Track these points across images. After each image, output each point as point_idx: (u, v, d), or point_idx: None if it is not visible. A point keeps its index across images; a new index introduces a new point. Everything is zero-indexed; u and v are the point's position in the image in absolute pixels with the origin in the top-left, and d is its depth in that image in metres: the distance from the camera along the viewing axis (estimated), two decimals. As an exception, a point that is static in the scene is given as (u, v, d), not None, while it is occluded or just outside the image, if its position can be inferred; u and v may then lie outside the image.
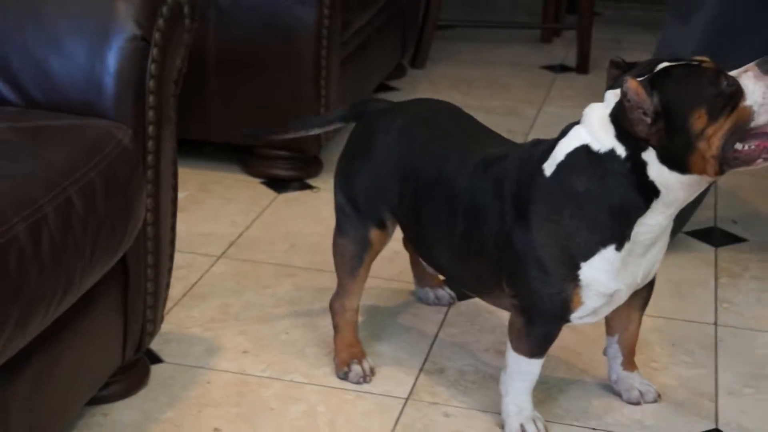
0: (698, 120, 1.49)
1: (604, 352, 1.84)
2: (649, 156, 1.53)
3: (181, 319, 2.01)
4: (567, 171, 1.57)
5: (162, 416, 1.73)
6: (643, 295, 1.75)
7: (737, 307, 2.15)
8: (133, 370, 1.77)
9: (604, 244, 1.56)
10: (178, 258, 2.13)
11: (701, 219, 2.53)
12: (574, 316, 1.63)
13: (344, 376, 1.84)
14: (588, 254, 1.57)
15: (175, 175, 1.73)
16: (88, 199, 1.42)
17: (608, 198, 1.55)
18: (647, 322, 2.05)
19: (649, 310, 2.07)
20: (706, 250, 2.39)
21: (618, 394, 1.83)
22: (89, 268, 1.44)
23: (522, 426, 1.70)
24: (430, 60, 3.69)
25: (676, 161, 1.52)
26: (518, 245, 1.60)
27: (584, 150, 1.56)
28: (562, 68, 3.67)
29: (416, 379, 1.87)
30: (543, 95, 3.39)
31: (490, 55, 3.81)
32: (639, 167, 1.53)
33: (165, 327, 1.92)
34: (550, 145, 1.61)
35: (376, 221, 1.81)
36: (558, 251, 1.57)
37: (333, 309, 1.89)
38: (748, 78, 1.50)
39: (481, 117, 1.87)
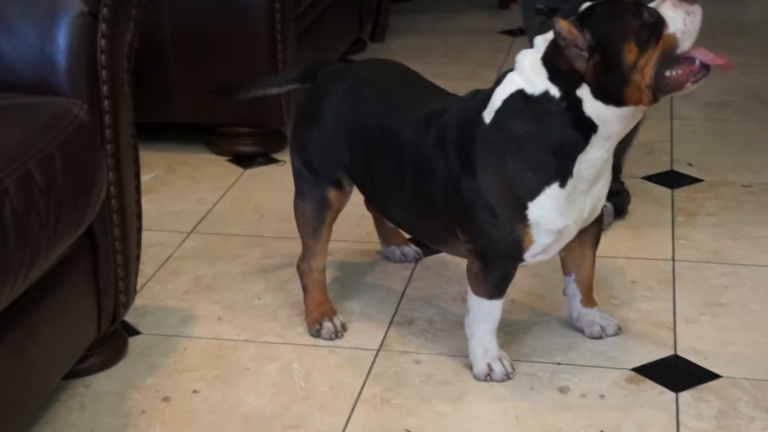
0: (630, 53, 1.55)
1: (564, 292, 1.91)
2: (584, 93, 1.59)
3: (156, 293, 2.06)
4: (505, 116, 1.63)
5: (142, 383, 1.78)
6: (592, 232, 1.81)
7: (693, 242, 2.21)
8: (110, 342, 1.82)
9: (548, 182, 1.62)
10: (150, 236, 2.19)
11: (658, 163, 2.60)
12: (527, 255, 1.69)
13: (317, 334, 1.90)
14: (534, 193, 1.63)
15: (135, 148, 1.78)
16: (48, 172, 1.46)
17: (547, 138, 1.61)
18: (607, 263, 2.12)
19: (608, 251, 2.15)
20: (663, 193, 2.45)
21: (580, 331, 1.89)
22: (54, 240, 1.49)
23: (489, 365, 1.76)
24: (389, 33, 3.74)
25: (612, 95, 1.58)
26: (466, 192, 1.66)
27: (519, 94, 1.62)
28: (521, 32, 3.72)
29: (386, 331, 1.92)
30: (502, 58, 3.44)
31: (449, 23, 3.87)
32: (574, 105, 1.59)
33: (140, 301, 1.97)
34: (488, 94, 1.67)
35: (332, 182, 1.86)
36: (505, 194, 1.63)
37: (300, 271, 1.94)
38: (666, 7, 1.56)
39: (441, 83, 1.92)
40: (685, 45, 1.57)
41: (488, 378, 1.76)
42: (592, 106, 1.59)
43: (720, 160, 2.61)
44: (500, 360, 1.77)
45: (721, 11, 3.81)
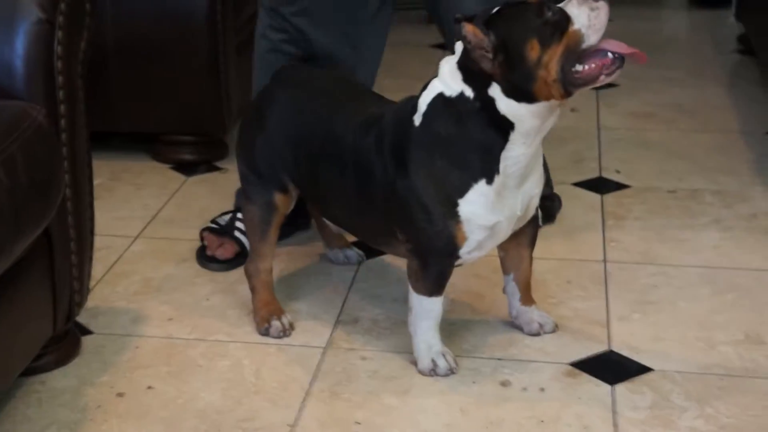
0: (532, 50, 1.64)
1: (504, 290, 1.99)
2: (495, 92, 1.67)
3: (106, 295, 2.10)
4: (430, 119, 1.72)
5: (97, 380, 1.82)
6: (528, 233, 1.90)
7: (623, 244, 2.32)
8: (64, 340, 1.86)
9: (475, 180, 1.70)
10: (97, 240, 2.20)
11: (587, 170, 2.72)
12: (462, 252, 1.77)
13: (265, 332, 1.96)
14: (462, 191, 1.71)
15: (89, 152, 1.82)
16: (11, 171, 1.51)
17: (469, 137, 1.69)
18: (543, 264, 2.22)
19: (543, 252, 2.24)
20: (593, 198, 2.56)
21: (519, 328, 1.98)
22: (17, 238, 1.53)
23: (433, 360, 1.84)
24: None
25: (522, 92, 1.66)
26: (401, 192, 1.74)
27: (440, 98, 1.71)
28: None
29: (333, 330, 1.99)
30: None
31: (407, 36, 3.93)
32: (488, 104, 1.68)
33: (91, 303, 2.01)
34: (417, 99, 1.76)
35: (278, 186, 1.93)
36: (436, 192, 1.72)
37: (248, 272, 2.00)
38: (572, 5, 1.65)
39: (375, 96, 2.00)
40: (591, 40, 1.64)
41: (432, 373, 1.83)
42: (505, 105, 1.67)
43: (646, 167, 2.73)
44: (443, 356, 1.84)
45: (640, 26, 3.96)
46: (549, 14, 1.64)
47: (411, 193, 1.73)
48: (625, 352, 1.91)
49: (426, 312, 1.83)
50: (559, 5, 1.66)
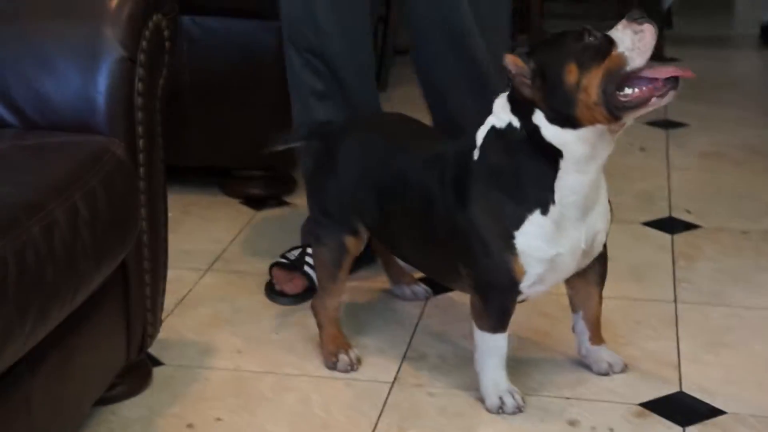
0: (570, 74, 1.64)
1: (573, 329, 1.98)
2: (539, 119, 1.68)
3: (176, 327, 2.13)
4: (485, 152, 1.75)
5: (167, 411, 1.84)
6: (597, 270, 1.90)
7: (694, 285, 2.30)
8: (136, 371, 1.89)
9: (530, 210, 1.71)
10: (168, 273, 2.25)
11: (657, 209, 2.70)
12: (523, 286, 1.77)
13: (333, 366, 1.97)
14: (518, 223, 1.71)
15: (164, 186, 1.86)
16: (92, 205, 1.55)
17: (519, 167, 1.71)
18: (611, 303, 2.20)
19: (612, 292, 2.22)
20: (663, 238, 2.54)
21: (588, 367, 1.97)
22: (96, 270, 1.56)
23: (501, 398, 1.83)
24: (391, 82, 3.84)
25: (565, 117, 1.66)
26: (461, 226, 1.76)
27: (493, 130, 1.74)
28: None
29: (400, 365, 2.00)
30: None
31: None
32: (534, 132, 1.69)
33: (162, 334, 2.03)
34: (475, 134, 1.79)
35: (349, 229, 1.96)
36: (492, 224, 1.73)
37: (315, 309, 2.02)
38: (616, 30, 1.66)
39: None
40: (636, 62, 1.62)
41: (500, 411, 1.83)
42: (550, 132, 1.67)
43: (717, 207, 2.70)
44: (511, 394, 1.84)
45: (712, 66, 3.94)
46: (589, 39, 1.65)
47: (469, 226, 1.74)
48: (696, 394, 1.89)
49: (491, 349, 1.82)
50: (607, 32, 1.67)
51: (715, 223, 2.61)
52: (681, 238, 2.54)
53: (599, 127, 1.66)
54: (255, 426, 1.80)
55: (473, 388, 1.89)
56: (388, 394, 1.90)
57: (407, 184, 1.86)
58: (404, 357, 2.03)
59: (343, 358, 1.97)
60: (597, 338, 1.96)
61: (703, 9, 4.75)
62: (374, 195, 1.91)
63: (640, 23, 1.64)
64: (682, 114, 3.41)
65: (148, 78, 1.76)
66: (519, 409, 1.83)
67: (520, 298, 1.81)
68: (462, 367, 1.97)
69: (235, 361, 2.01)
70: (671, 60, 4.06)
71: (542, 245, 1.72)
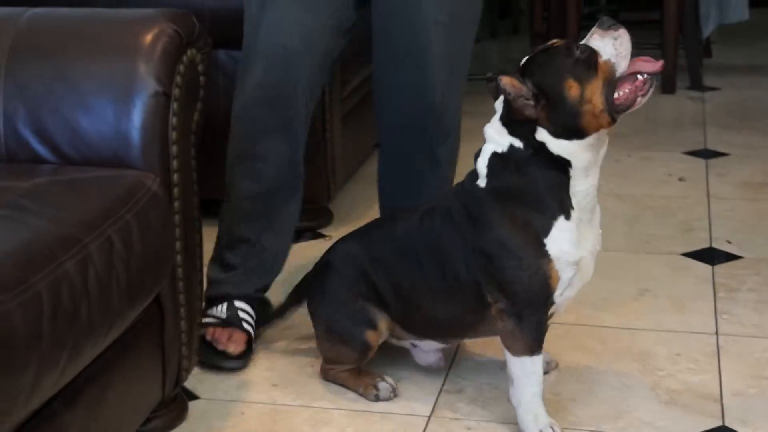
0: (572, 89, 1.69)
1: None
2: (543, 136, 1.72)
3: (211, 360, 2.12)
4: (493, 178, 1.78)
5: (202, 446, 1.84)
6: None
7: (736, 317, 2.26)
8: (172, 405, 1.89)
9: (555, 218, 1.75)
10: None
11: (697, 240, 2.66)
12: (556, 294, 1.78)
13: (376, 397, 1.96)
14: (546, 230, 1.75)
15: (199, 220, 1.87)
16: (126, 239, 1.55)
17: (534, 182, 1.75)
18: (651, 336, 2.18)
19: (651, 324, 2.21)
20: (704, 269, 2.51)
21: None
22: (130, 304, 1.57)
23: None
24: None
25: (572, 130, 1.71)
26: (487, 248, 1.78)
27: (494, 156, 1.77)
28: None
29: (437, 398, 1.98)
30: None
31: (484, 106, 3.95)
32: (540, 149, 1.73)
33: (198, 368, 2.03)
34: (474, 168, 1.82)
35: (368, 324, 1.95)
36: (523, 236, 1.75)
37: (332, 377, 2.00)
38: (594, 39, 1.71)
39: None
40: (621, 67, 1.71)
41: None
42: (556, 145, 1.72)
43: (759, 238, 2.66)
44: (552, 428, 1.81)
45: (750, 95, 3.91)
46: (578, 53, 1.70)
47: (499, 245, 1.77)
48: (739, 428, 1.85)
49: (528, 376, 1.81)
50: (582, 41, 1.72)
51: (756, 254, 2.57)
52: (722, 269, 2.50)
53: (601, 132, 1.73)
54: (290, 461, 1.79)
55: (511, 421, 1.87)
56: (425, 427, 1.88)
57: (410, 247, 1.90)
58: (441, 390, 2.01)
59: (382, 385, 1.96)
60: None
61: (743, 38, 4.71)
62: (383, 277, 1.93)
63: (616, 29, 1.71)
64: (722, 143, 3.38)
65: (182, 112, 1.77)
66: None
67: (550, 312, 1.82)
68: (500, 401, 1.94)
69: (271, 394, 2.00)
70: (712, 89, 4.04)
71: (571, 249, 1.76)
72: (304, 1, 2.05)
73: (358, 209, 2.82)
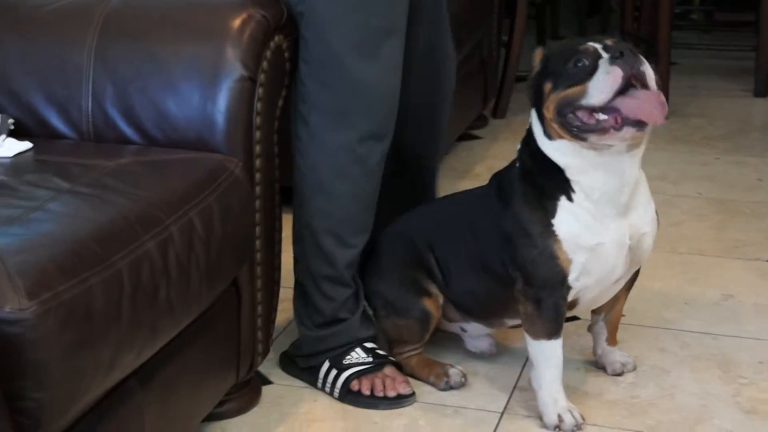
0: (546, 88, 1.72)
1: (589, 329, 2.01)
2: (535, 126, 1.76)
3: (287, 346, 2.13)
4: (521, 157, 1.82)
5: (275, 430, 1.84)
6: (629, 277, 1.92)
7: (825, 326, 2.19)
8: (246, 389, 1.90)
9: (557, 198, 1.76)
10: (282, 292, 2.26)
11: (785, 246, 2.59)
12: (572, 279, 1.77)
13: (447, 385, 1.96)
14: (552, 211, 1.76)
15: (279, 206, 1.87)
16: (207, 222, 1.56)
17: (540, 165, 1.76)
18: (735, 342, 2.13)
19: (736, 331, 2.15)
20: (792, 276, 2.44)
21: (602, 368, 2.01)
22: (209, 287, 1.57)
23: (559, 416, 1.82)
24: (510, 110, 3.81)
25: (542, 127, 1.74)
26: (506, 226, 1.81)
27: (524, 137, 1.82)
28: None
29: (510, 395, 1.96)
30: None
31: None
32: (531, 137, 1.78)
33: (272, 353, 2.04)
34: None
35: (423, 292, 1.96)
36: (533, 216, 1.77)
37: (401, 361, 1.99)
38: (603, 63, 1.66)
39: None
40: (591, 100, 1.66)
41: (557, 429, 1.81)
42: (539, 138, 1.76)
43: None
44: (570, 411, 1.83)
45: None
46: (576, 65, 1.67)
47: (514, 223, 1.79)
48: (823, 442, 1.80)
49: (548, 359, 1.82)
50: (604, 59, 1.67)
51: None
52: (811, 276, 2.43)
53: (581, 144, 1.70)
54: (361, 450, 1.79)
55: (589, 421, 1.84)
56: (497, 424, 1.87)
57: (457, 221, 1.94)
58: (515, 387, 1.99)
59: (453, 372, 1.97)
60: (613, 340, 2.01)
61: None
62: (432, 249, 1.96)
63: (611, 63, 1.65)
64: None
65: (267, 98, 1.77)
66: (578, 428, 1.81)
67: (570, 295, 1.80)
68: (574, 400, 1.91)
69: (344, 383, 2.00)
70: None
71: (581, 233, 1.75)
72: None
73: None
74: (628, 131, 1.66)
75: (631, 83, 1.65)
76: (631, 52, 1.65)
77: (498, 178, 1.89)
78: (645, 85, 1.65)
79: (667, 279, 2.37)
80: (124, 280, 1.33)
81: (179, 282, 1.46)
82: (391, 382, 1.92)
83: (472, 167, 3.27)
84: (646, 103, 1.64)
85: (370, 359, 1.95)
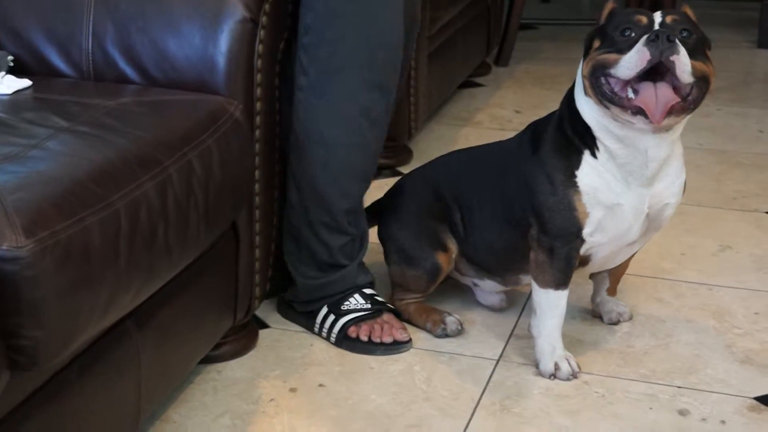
0: (594, 43, 1.71)
1: (591, 276, 2.03)
2: (578, 77, 1.75)
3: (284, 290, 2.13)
4: (560, 108, 1.81)
5: (271, 374, 1.86)
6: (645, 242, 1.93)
7: (821, 279, 2.20)
8: (243, 332, 1.90)
9: (582, 152, 1.76)
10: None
11: (784, 198, 2.59)
12: (586, 233, 1.78)
13: (443, 332, 1.97)
14: (577, 163, 1.76)
15: (280, 150, 1.86)
16: (206, 164, 1.55)
17: (572, 116, 1.76)
18: (730, 293, 2.13)
19: (732, 282, 2.16)
20: (789, 228, 2.44)
21: (598, 316, 2.04)
22: (207, 230, 1.57)
23: (556, 364, 1.84)
24: (513, 58, 3.79)
25: (581, 83, 1.73)
26: (532, 168, 1.81)
27: (569, 89, 1.81)
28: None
29: (506, 343, 1.97)
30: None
31: (573, 53, 3.87)
32: (571, 92, 1.78)
33: (269, 299, 2.05)
34: None
35: (438, 246, 1.96)
36: (558, 162, 1.78)
37: (401, 308, 2.01)
38: (642, 41, 1.64)
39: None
40: (618, 72, 1.65)
41: (552, 377, 1.84)
42: (578, 95, 1.75)
43: None
44: (567, 360, 1.85)
45: None
46: (624, 33, 1.66)
47: (539, 166, 1.79)
48: (816, 392, 1.81)
49: (552, 308, 1.83)
50: (652, 32, 1.64)
51: None
52: (808, 229, 2.43)
53: (613, 109, 1.68)
54: (357, 394, 1.80)
55: (583, 371, 1.85)
56: (493, 371, 1.88)
57: (484, 166, 1.95)
58: (511, 335, 2.00)
59: (450, 320, 1.98)
60: (613, 291, 2.04)
61: None
62: (455, 195, 1.96)
63: (645, 44, 1.63)
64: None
65: (269, 40, 1.76)
66: (574, 376, 1.84)
67: (583, 249, 1.80)
68: (570, 349, 1.92)
69: (341, 328, 2.01)
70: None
71: (603, 189, 1.75)
72: None
73: (439, 149, 2.79)
74: (640, 126, 1.68)
75: (666, 69, 1.63)
76: (668, 38, 1.62)
77: (534, 124, 1.88)
78: (674, 75, 1.64)
79: (665, 229, 2.36)
80: (121, 221, 1.33)
81: (177, 224, 1.46)
82: (389, 329, 1.93)
83: (474, 115, 3.25)
84: (653, 98, 1.64)
85: (369, 305, 1.95)
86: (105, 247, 1.30)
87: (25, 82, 1.68)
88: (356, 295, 1.96)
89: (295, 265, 1.97)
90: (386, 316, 1.95)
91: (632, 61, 1.63)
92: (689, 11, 1.75)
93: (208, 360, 1.84)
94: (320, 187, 1.88)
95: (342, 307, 1.95)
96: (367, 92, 1.84)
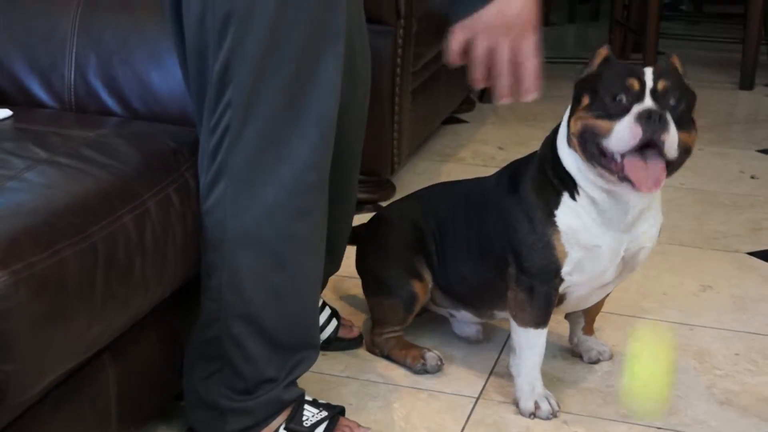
0: (584, 99, 1.69)
1: (566, 317, 2.03)
2: (563, 124, 1.75)
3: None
4: (543, 146, 1.82)
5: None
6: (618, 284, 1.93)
7: (801, 321, 2.20)
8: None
9: (561, 194, 1.76)
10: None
11: (764, 239, 2.60)
12: (564, 272, 1.77)
13: (422, 368, 1.96)
14: (556, 204, 1.77)
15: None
16: (184, 197, 1.54)
17: (553, 159, 1.76)
18: (711, 333, 2.13)
19: (713, 322, 2.15)
20: (770, 269, 2.45)
21: (578, 356, 2.03)
22: (185, 263, 1.56)
23: (536, 403, 1.83)
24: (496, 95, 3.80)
25: (567, 131, 1.72)
26: (511, 206, 1.82)
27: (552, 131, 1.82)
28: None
29: (486, 380, 1.95)
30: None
31: (557, 90, 3.89)
32: (553, 139, 1.78)
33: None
34: None
35: (415, 275, 1.97)
36: (538, 202, 1.78)
37: (380, 346, 2.01)
38: (634, 112, 1.63)
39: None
40: (609, 145, 1.64)
41: (532, 416, 1.83)
42: (560, 144, 1.75)
43: (829, 241, 2.59)
44: (547, 399, 1.84)
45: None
46: (612, 98, 1.64)
47: (518, 204, 1.80)
48: (796, 435, 1.81)
49: (531, 348, 1.83)
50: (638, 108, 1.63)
51: (826, 258, 2.50)
52: (789, 270, 2.44)
53: (596, 168, 1.69)
54: (335, 431, 1.78)
55: (563, 410, 1.84)
56: (472, 409, 1.86)
57: (464, 201, 1.95)
58: (491, 372, 1.98)
59: (429, 356, 1.97)
60: (590, 329, 2.04)
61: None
62: (432, 227, 1.98)
63: (636, 120, 1.62)
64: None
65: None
66: (554, 415, 1.83)
67: (562, 288, 1.80)
68: (551, 387, 1.91)
69: (319, 364, 1.96)
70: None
71: (582, 230, 1.75)
72: None
73: (421, 184, 2.77)
74: (625, 188, 1.67)
75: (654, 143, 1.63)
76: (660, 117, 1.61)
77: (515, 164, 1.89)
78: (661, 152, 1.64)
79: (646, 268, 2.37)
80: (98, 254, 1.32)
81: (155, 257, 1.45)
82: (354, 429, 1.72)
83: (457, 151, 3.26)
84: (644, 171, 1.64)
85: (324, 411, 1.70)
86: (81, 280, 1.29)
87: (6, 112, 1.67)
88: (306, 406, 1.69)
89: (213, 390, 1.63)
90: (342, 419, 1.72)
91: (624, 138, 1.63)
92: (677, 63, 1.73)
93: (182, 396, 1.81)
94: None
95: (305, 424, 1.66)
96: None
